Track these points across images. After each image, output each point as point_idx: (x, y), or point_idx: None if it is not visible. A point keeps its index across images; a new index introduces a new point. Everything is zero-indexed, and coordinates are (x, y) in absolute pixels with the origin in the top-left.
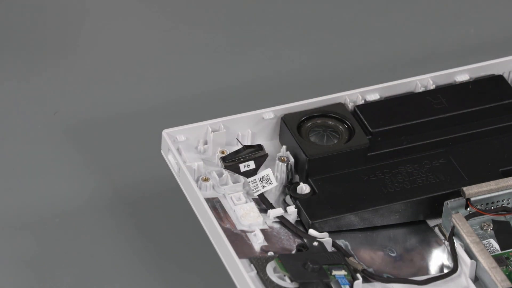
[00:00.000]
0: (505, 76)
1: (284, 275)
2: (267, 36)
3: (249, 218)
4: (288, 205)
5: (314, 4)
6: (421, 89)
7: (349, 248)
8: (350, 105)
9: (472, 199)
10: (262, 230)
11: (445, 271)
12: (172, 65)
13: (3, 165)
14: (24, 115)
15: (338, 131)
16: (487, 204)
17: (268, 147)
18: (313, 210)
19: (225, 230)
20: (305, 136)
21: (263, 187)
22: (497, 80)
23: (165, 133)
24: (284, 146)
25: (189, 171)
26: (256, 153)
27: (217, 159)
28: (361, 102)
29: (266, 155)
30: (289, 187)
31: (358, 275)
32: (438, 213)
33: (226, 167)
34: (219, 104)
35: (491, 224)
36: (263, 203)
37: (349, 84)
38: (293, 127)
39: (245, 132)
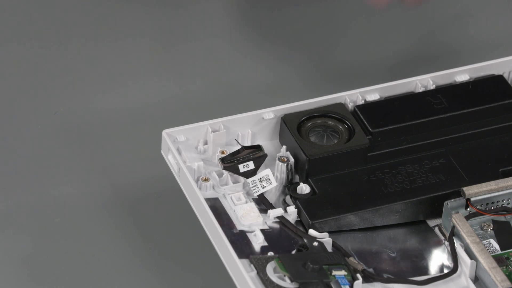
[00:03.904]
0: (505, 76)
1: (284, 275)
2: (266, 36)
3: (249, 218)
4: (288, 205)
5: (314, 4)
6: (421, 89)
7: (349, 248)
8: (350, 105)
9: (472, 199)
10: (262, 230)
11: (445, 271)
12: (172, 65)
13: (3, 165)
14: (24, 115)
15: (338, 131)
16: (487, 204)
17: (268, 147)
18: (313, 210)
19: (225, 230)
20: (305, 136)
21: (263, 187)
22: (497, 80)
23: (165, 133)
24: (284, 146)
25: (189, 171)
26: (255, 154)
27: (217, 160)
28: (361, 102)
29: (265, 156)
30: (289, 187)
31: (358, 275)
32: (438, 213)
33: (225, 168)
34: (219, 104)
35: (491, 224)
36: (263, 203)
37: (349, 84)
38: (293, 127)
39: (245, 132)
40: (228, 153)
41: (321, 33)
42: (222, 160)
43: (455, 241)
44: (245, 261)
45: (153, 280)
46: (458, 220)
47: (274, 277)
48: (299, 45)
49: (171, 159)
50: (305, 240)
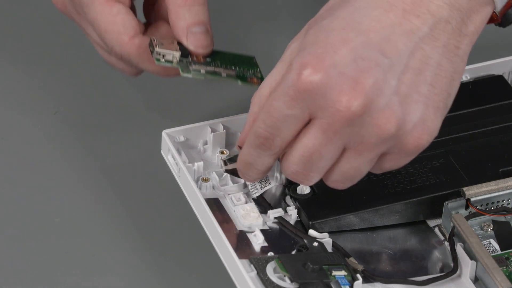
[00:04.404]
0: (505, 76)
1: (284, 276)
2: (266, 35)
3: (249, 219)
4: (288, 205)
5: (314, 3)
6: None
7: (349, 248)
8: None
9: (472, 199)
10: (262, 231)
11: (445, 271)
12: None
13: (3, 165)
14: (24, 115)
15: None
16: (487, 204)
17: None
18: (313, 210)
19: (225, 230)
20: None
21: (262, 188)
22: (497, 80)
23: (165, 133)
24: None
25: (189, 171)
26: None
27: (217, 160)
28: None
29: None
30: (289, 187)
31: (358, 275)
32: (438, 213)
33: (226, 171)
34: (219, 104)
35: (491, 224)
36: (263, 204)
37: None
38: None
39: None
40: (228, 153)
41: None
42: (224, 162)
43: (455, 241)
44: (245, 261)
45: (153, 280)
46: (458, 220)
47: (274, 277)
48: None
49: (171, 160)
50: (305, 241)
